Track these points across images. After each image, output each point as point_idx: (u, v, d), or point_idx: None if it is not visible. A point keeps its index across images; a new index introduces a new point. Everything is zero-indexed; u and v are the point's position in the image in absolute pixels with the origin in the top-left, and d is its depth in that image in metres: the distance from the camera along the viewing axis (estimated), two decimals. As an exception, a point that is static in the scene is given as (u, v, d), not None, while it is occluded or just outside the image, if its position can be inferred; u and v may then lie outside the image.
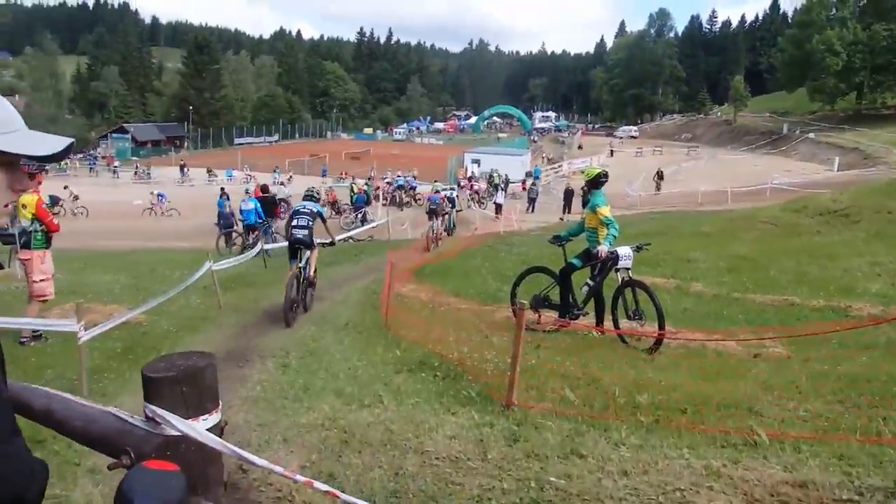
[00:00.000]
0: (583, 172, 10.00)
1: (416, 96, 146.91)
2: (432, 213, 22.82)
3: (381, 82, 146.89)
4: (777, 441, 4.20)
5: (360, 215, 31.60)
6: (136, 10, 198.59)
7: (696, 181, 45.45)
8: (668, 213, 30.76)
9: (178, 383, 1.78)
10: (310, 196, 11.69)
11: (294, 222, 11.09)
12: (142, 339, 8.66)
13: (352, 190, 35.88)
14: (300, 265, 10.84)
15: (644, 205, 36.68)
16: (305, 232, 10.92)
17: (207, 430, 1.81)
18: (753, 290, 12.11)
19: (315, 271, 11.37)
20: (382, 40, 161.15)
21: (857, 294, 11.38)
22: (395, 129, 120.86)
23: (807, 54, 72.76)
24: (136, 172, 60.87)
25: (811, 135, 66.95)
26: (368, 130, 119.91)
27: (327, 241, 11.84)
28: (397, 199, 40.31)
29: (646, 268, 13.03)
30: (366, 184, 39.31)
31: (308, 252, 11.02)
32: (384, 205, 36.17)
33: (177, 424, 1.74)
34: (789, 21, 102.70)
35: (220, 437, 1.85)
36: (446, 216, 25.65)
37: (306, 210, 11.17)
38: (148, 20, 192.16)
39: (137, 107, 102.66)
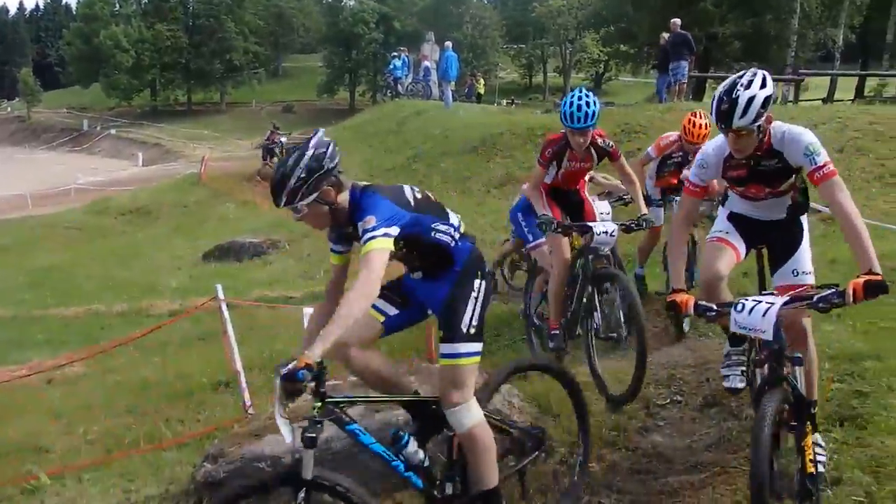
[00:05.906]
0: None
1: None
2: None
3: None
4: (58, 478, 4.14)
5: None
6: None
7: (-8, 187, 41.03)
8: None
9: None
10: None
11: None
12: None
13: None
14: None
15: None
16: None
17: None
18: (56, 304, 11.69)
19: None
20: None
21: (158, 292, 12.07)
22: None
23: (96, 49, 72.61)
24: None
25: (113, 131, 67.31)
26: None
27: None
28: None
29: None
30: None
31: None
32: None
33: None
34: (74, 14, 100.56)
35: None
36: None
37: None
38: None
39: None
